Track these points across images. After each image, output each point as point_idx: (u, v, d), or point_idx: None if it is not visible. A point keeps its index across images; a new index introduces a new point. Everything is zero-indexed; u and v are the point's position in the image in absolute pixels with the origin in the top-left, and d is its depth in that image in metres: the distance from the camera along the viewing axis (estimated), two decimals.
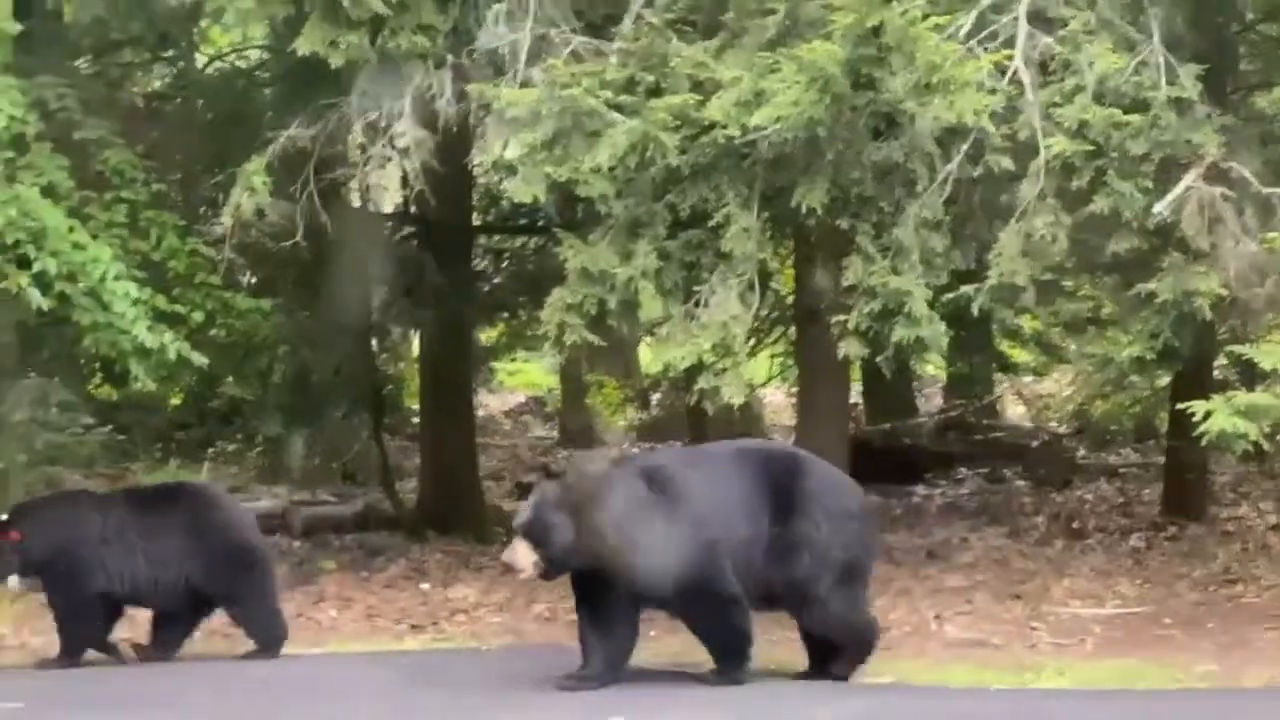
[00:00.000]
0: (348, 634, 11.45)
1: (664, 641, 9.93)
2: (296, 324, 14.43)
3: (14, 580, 10.28)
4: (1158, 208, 9.93)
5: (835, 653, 9.30)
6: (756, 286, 10.35)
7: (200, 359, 11.94)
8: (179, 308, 12.45)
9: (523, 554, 8.81)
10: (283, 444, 15.81)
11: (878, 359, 10.24)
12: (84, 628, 10.14)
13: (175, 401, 18.36)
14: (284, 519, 14.95)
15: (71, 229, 11.35)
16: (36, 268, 11.13)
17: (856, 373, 15.17)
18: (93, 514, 10.22)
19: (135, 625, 10.62)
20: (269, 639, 10.32)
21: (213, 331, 13.24)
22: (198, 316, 12.65)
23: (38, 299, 11.22)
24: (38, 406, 13.77)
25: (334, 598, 12.55)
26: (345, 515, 15.37)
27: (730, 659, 9.07)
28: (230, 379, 15.16)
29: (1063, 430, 20.74)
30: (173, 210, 13.08)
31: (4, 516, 10.21)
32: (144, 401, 16.98)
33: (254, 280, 14.88)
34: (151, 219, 12.71)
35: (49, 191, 11.51)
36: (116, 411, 17.32)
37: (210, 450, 17.67)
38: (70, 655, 10.10)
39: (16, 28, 11.71)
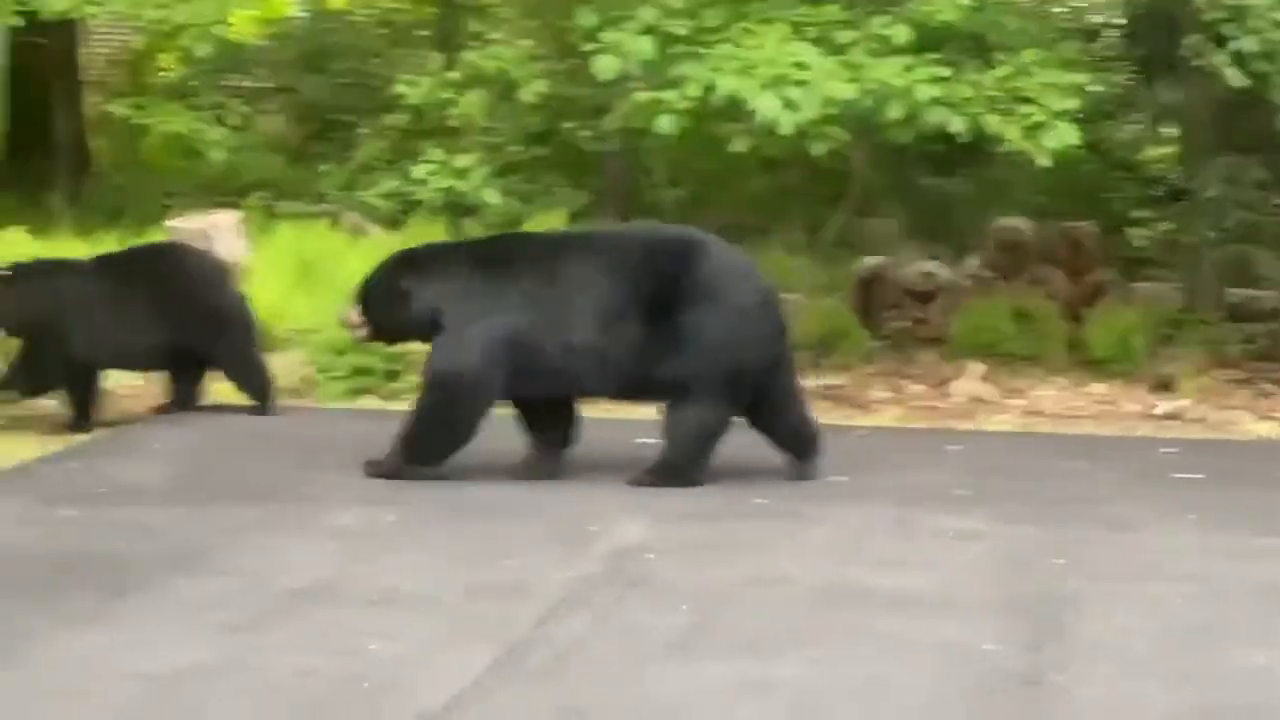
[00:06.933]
0: None
1: None
2: None
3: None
4: None
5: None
6: None
7: None
8: None
9: (353, 315, 8.28)
10: None
11: None
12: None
13: None
14: None
15: (1272, 7, 11.20)
16: (1233, 46, 11.08)
17: None
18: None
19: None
20: (258, 391, 9.71)
21: None
22: None
23: (1235, 77, 11.20)
24: (1231, 184, 13.82)
25: None
26: None
27: (402, 455, 7.98)
28: None
29: None
30: None
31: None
32: None
33: None
34: None
35: None
36: None
37: None
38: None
39: None
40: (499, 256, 8.17)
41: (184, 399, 9.70)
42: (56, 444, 8.80)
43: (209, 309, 9.56)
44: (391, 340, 8.68)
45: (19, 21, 13.43)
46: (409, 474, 7.92)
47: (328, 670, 5.26)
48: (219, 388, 9.90)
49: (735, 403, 7.94)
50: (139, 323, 9.33)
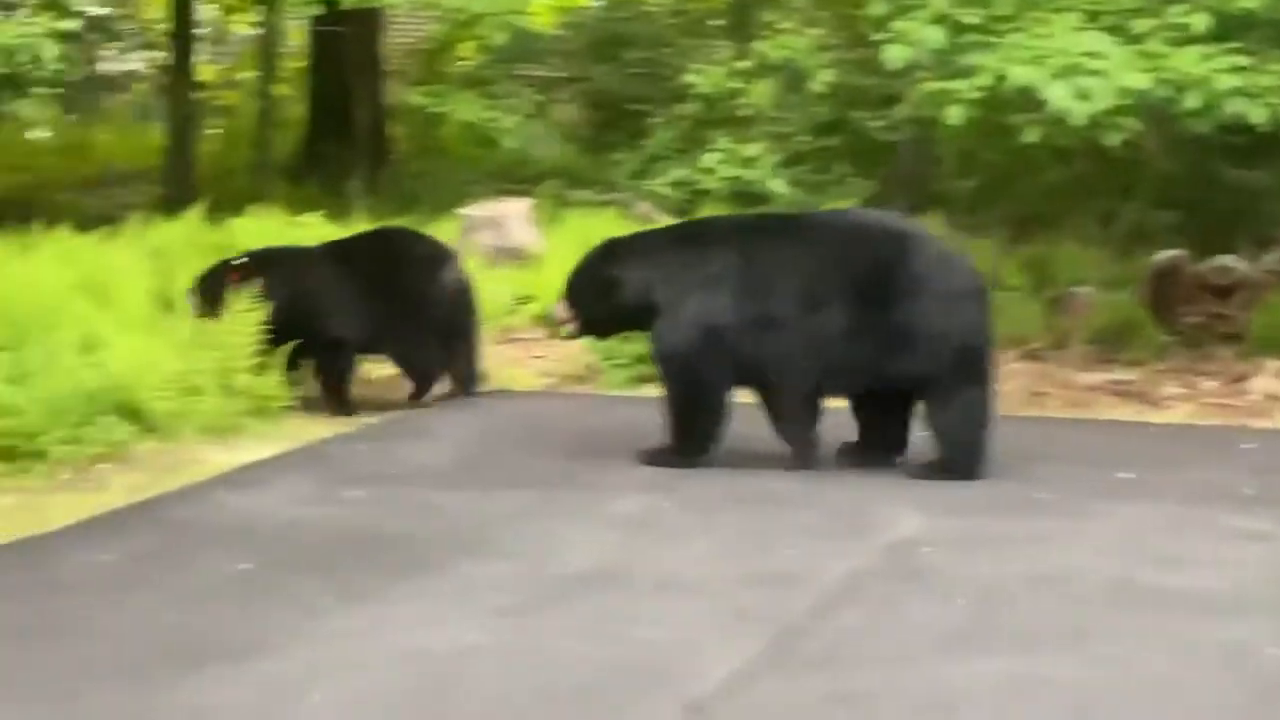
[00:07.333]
0: None
1: None
2: None
3: None
4: None
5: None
6: None
7: None
8: None
9: (561, 308, 8.25)
10: None
11: None
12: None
13: None
14: None
15: None
16: None
17: None
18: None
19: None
20: (419, 379, 9.66)
21: None
22: None
23: None
24: None
25: None
26: None
27: (670, 445, 8.00)
28: None
29: None
30: None
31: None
32: None
33: None
34: None
35: None
36: None
37: None
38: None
39: None
40: (701, 238, 8.17)
41: (468, 384, 9.87)
42: (344, 426, 9.02)
43: (412, 294, 9.53)
44: (604, 333, 8.76)
45: (320, 10, 13.84)
46: (681, 462, 7.95)
47: (601, 655, 5.31)
48: (508, 373, 10.10)
49: (987, 384, 7.87)
50: (361, 307, 9.41)
